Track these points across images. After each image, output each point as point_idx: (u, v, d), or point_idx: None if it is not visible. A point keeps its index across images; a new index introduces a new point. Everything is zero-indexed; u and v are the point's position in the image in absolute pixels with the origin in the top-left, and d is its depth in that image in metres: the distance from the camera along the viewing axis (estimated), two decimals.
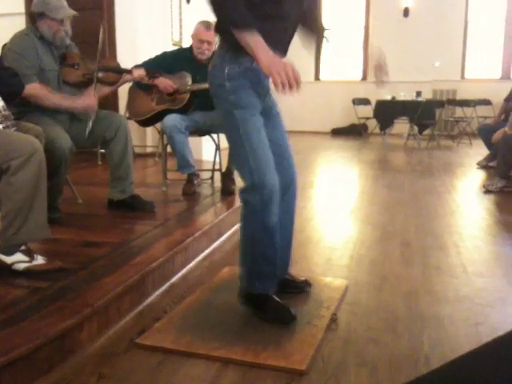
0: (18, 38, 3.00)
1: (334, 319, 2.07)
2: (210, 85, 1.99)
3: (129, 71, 3.33)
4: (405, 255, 2.94)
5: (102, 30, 3.08)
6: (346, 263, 2.81)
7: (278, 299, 2.06)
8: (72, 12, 2.99)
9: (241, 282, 2.09)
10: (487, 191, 4.72)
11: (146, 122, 4.05)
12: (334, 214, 4.02)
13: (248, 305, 2.08)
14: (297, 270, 2.67)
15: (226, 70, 1.91)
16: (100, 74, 3.11)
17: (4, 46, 3.01)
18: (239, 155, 1.96)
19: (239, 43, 1.79)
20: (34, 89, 2.85)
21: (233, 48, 1.86)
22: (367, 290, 2.43)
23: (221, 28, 1.91)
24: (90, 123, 3.00)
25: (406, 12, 10.08)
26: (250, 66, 1.90)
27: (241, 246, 2.05)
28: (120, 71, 3.30)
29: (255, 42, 1.73)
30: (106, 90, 3.30)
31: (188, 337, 1.90)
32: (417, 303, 2.26)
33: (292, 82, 1.68)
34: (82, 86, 3.09)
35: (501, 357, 0.87)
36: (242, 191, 1.96)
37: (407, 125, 8.92)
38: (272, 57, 1.72)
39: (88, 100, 2.98)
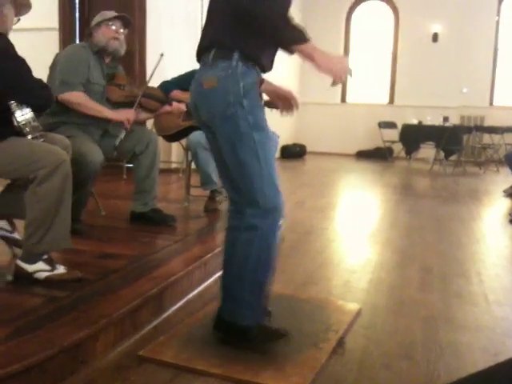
0: (73, 47, 3.20)
1: (341, 343, 2.04)
2: (214, 103, 1.80)
3: (169, 103, 3.41)
4: (425, 281, 2.90)
5: (161, 59, 3.18)
6: (365, 286, 2.78)
7: (266, 325, 1.96)
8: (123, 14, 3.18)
9: (225, 314, 1.92)
10: None
11: (171, 138, 4.10)
12: (355, 237, 3.99)
13: (232, 338, 1.92)
14: (315, 292, 2.65)
15: (242, 85, 1.77)
16: (142, 100, 3.20)
17: (58, 54, 3.13)
18: (252, 180, 1.81)
19: (251, 52, 1.78)
20: (78, 96, 2.98)
21: (244, 58, 1.78)
22: (384, 314, 2.40)
23: (231, 36, 1.79)
24: (123, 134, 3.08)
25: (435, 37, 10.06)
26: (256, 80, 1.84)
27: (237, 274, 1.88)
28: (161, 101, 3.37)
29: (313, 48, 1.72)
30: (144, 115, 3.41)
31: (188, 352, 1.89)
32: (435, 330, 2.22)
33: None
34: (122, 106, 3.18)
35: None
36: (252, 216, 1.83)
37: (433, 150, 8.84)
38: (331, 56, 1.74)
39: (128, 114, 3.07)
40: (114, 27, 3.12)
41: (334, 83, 1.77)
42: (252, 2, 1.69)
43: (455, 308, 2.50)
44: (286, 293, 2.56)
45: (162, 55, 3.18)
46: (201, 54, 1.89)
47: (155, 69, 3.23)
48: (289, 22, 1.71)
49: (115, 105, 3.20)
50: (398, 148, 9.55)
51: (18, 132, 2.17)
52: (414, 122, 9.21)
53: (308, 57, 1.73)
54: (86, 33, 3.23)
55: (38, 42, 5.49)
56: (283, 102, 2.24)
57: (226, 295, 1.93)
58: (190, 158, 3.99)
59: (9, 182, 2.37)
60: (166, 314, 2.24)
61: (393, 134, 9.63)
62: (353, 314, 2.33)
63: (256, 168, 1.81)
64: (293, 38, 1.72)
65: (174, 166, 6.16)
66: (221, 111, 1.79)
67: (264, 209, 1.82)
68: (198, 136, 3.71)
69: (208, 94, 1.82)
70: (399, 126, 9.46)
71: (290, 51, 1.76)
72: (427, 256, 3.42)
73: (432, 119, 9.03)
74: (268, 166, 1.83)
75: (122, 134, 3.10)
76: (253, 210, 1.83)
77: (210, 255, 2.71)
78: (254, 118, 1.80)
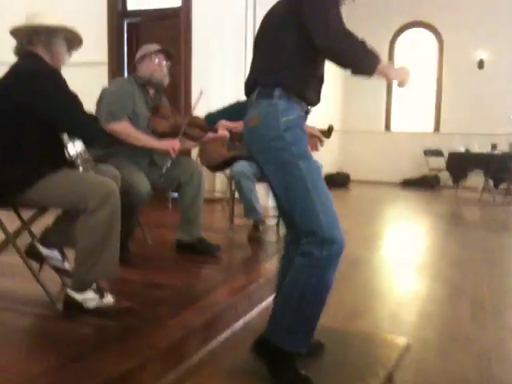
0: (118, 81, 3.33)
1: (389, 378, 1.98)
2: (258, 139, 1.88)
3: (213, 130, 3.47)
4: (477, 315, 2.79)
5: (201, 92, 3.27)
6: (414, 320, 2.70)
7: (299, 369, 1.88)
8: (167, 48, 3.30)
9: (269, 333, 1.91)
10: None
11: (216, 168, 4.16)
12: (402, 268, 3.90)
13: (267, 359, 1.91)
14: (362, 325, 2.60)
15: (283, 120, 1.84)
16: (186, 129, 3.26)
17: (104, 88, 3.25)
18: (305, 208, 1.82)
19: (293, 88, 1.84)
20: (125, 127, 3.05)
21: (285, 96, 1.84)
22: (435, 349, 2.32)
23: (272, 74, 1.87)
24: (169, 163, 3.14)
25: (480, 64, 9.91)
26: (301, 114, 1.90)
27: (284, 298, 1.89)
28: (205, 129, 3.43)
29: (385, 66, 1.81)
30: (189, 144, 3.48)
31: (227, 382, 1.88)
32: (489, 367, 2.13)
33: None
34: (167, 136, 3.25)
35: None
36: (308, 243, 1.82)
37: (482, 178, 8.61)
38: (396, 68, 1.85)
39: (173, 143, 3.13)
40: (156, 60, 3.22)
41: (400, 85, 1.88)
42: (332, 39, 1.74)
43: (510, 344, 2.39)
44: (331, 325, 2.51)
45: (201, 93, 3.25)
46: (249, 93, 1.97)
47: (196, 104, 3.30)
48: (367, 50, 1.76)
49: (160, 136, 3.27)
50: (445, 176, 9.36)
51: (70, 164, 2.25)
52: (461, 149, 9.02)
53: (382, 75, 1.81)
54: (131, 66, 3.35)
55: (87, 76, 5.69)
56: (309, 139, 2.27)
57: (272, 316, 1.93)
58: (233, 187, 4.02)
59: (60, 212, 2.44)
60: (211, 346, 2.23)
61: (439, 162, 9.45)
62: (402, 348, 2.26)
63: (307, 197, 1.81)
64: (374, 63, 1.78)
65: (217, 195, 6.21)
66: (263, 147, 1.86)
67: (320, 238, 1.79)
68: (241, 166, 3.74)
69: (252, 131, 1.91)
70: (445, 154, 9.28)
71: (369, 74, 1.80)
72: (479, 289, 3.30)
73: (480, 147, 8.83)
74: (320, 195, 1.83)
75: (168, 163, 3.16)
76: (308, 238, 1.82)
77: (254, 285, 2.70)
78: (298, 148, 1.83)
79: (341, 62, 1.78)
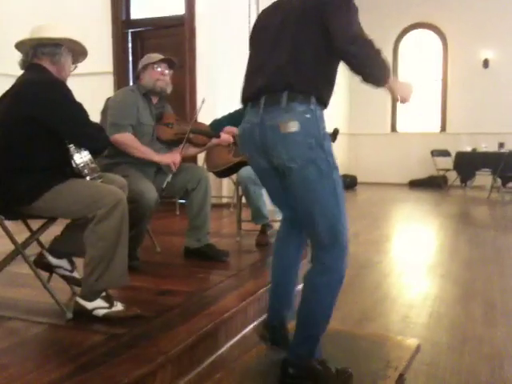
0: (122, 91, 3.32)
1: (401, 381, 1.97)
2: (295, 145, 1.78)
3: (217, 136, 3.48)
4: (488, 316, 2.78)
5: (203, 100, 3.28)
6: (425, 322, 2.69)
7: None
8: (172, 58, 3.28)
9: (304, 351, 1.90)
10: None
11: (222, 173, 4.16)
12: (412, 270, 3.89)
13: (307, 375, 1.89)
14: (372, 328, 2.59)
15: (321, 129, 1.81)
16: (190, 135, 3.28)
17: (108, 98, 3.27)
18: (334, 220, 1.82)
19: (324, 98, 1.84)
20: (126, 138, 3.06)
21: (319, 104, 1.82)
22: (446, 350, 2.31)
23: (309, 80, 1.81)
24: (170, 177, 3.15)
25: (485, 63, 9.89)
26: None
27: (317, 312, 1.90)
28: (210, 135, 3.44)
29: (393, 81, 1.82)
30: (194, 150, 3.49)
31: None
32: (501, 368, 2.12)
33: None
34: (172, 144, 3.27)
35: None
36: (332, 258, 1.83)
37: (490, 177, 8.58)
38: (403, 84, 1.89)
39: (173, 157, 3.14)
40: (159, 69, 3.23)
41: (402, 102, 1.90)
42: (356, 45, 1.72)
43: None
44: (342, 329, 2.50)
45: (203, 101, 3.25)
46: (259, 95, 1.86)
47: (198, 111, 3.32)
48: (383, 60, 1.76)
49: (166, 143, 3.28)
50: (453, 176, 9.33)
51: (77, 174, 2.26)
52: (468, 149, 9.00)
53: (389, 88, 1.82)
54: (134, 76, 3.37)
55: (93, 86, 5.73)
56: None
57: (301, 332, 1.92)
58: (240, 192, 4.03)
59: (68, 221, 2.45)
60: (221, 351, 2.23)
61: (446, 162, 9.43)
62: (412, 350, 2.25)
63: (336, 207, 1.82)
64: (385, 75, 1.78)
65: (224, 200, 6.22)
66: (302, 154, 1.78)
67: (343, 247, 1.84)
68: (248, 171, 3.74)
69: (288, 137, 1.80)
70: (453, 154, 9.26)
71: (378, 85, 1.81)
72: (490, 289, 3.29)
73: (487, 146, 8.81)
74: (343, 205, 1.85)
75: (169, 177, 3.16)
76: (330, 251, 1.83)
77: (263, 290, 2.70)
78: (332, 158, 1.83)
79: (355, 68, 1.75)
